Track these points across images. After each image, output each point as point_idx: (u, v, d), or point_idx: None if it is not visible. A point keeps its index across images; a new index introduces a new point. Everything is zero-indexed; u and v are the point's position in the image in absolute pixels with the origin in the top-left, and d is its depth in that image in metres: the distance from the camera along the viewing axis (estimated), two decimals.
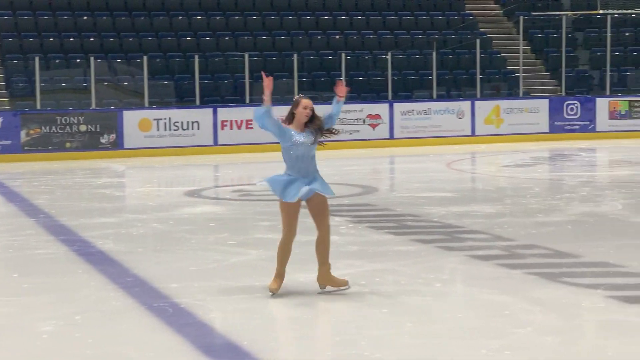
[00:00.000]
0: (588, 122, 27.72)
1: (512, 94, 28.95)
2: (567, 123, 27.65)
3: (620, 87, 29.84)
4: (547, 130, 27.49)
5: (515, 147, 25.16)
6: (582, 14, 32.03)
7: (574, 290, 8.92)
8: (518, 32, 30.46)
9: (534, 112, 27.39)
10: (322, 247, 8.87)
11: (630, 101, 28.01)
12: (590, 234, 12.09)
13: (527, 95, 28.80)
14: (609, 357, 6.93)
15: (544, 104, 27.68)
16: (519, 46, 29.79)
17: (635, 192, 15.95)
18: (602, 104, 27.93)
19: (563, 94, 28.84)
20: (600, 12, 31.26)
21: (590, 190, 16.76)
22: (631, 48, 30.90)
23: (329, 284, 8.91)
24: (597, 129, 27.65)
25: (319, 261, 8.91)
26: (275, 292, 8.72)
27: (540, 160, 23.09)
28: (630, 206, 14.35)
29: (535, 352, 7.03)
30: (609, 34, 29.57)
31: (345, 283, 8.99)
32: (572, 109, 27.69)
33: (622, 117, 27.84)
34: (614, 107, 27.89)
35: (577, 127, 27.68)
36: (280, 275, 8.80)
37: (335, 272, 9.78)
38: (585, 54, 31.36)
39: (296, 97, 9.05)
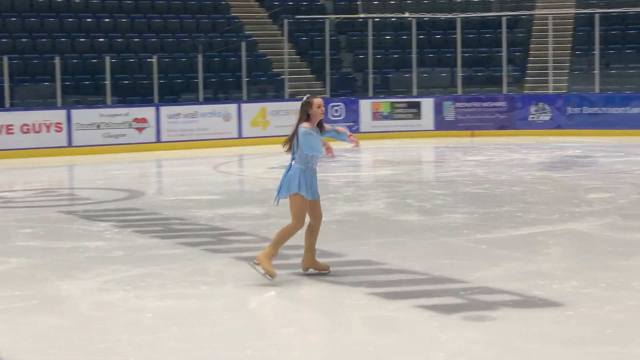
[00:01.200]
0: (352, 123, 28.32)
1: (278, 96, 29.26)
2: (332, 124, 28.11)
3: (383, 89, 30.68)
4: None
5: (282, 149, 25.37)
6: (344, 18, 32.71)
7: (337, 288, 9.08)
8: (283, 35, 30.80)
9: None
10: (311, 236, 9.36)
11: (392, 102, 28.83)
12: (354, 233, 12.34)
13: (292, 97, 29.14)
14: (371, 352, 7.08)
15: None
16: (284, 49, 30.15)
17: (396, 191, 16.42)
18: (366, 106, 28.63)
19: (328, 95, 29.35)
20: (362, 15, 32.01)
21: (355, 190, 17.14)
22: (392, 51, 31.80)
23: (312, 267, 9.42)
24: (361, 130, 28.28)
25: (305, 247, 9.39)
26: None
27: None
28: (392, 205, 14.77)
29: (300, 351, 7.12)
30: (370, 37, 30.32)
31: (327, 268, 9.48)
32: (336, 111, 28.26)
33: (385, 118, 28.62)
34: (377, 109, 28.64)
35: None
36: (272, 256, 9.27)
37: (100, 277, 9.66)
38: (348, 56, 32.06)
39: (306, 97, 9.44)
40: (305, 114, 9.35)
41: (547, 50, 30.49)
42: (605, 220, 12.80)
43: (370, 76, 29.89)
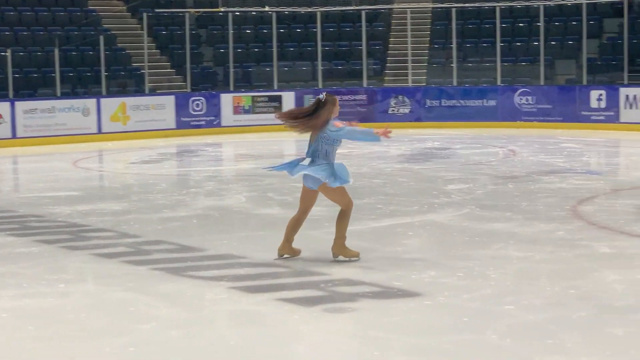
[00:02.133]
0: (213, 118, 28.23)
1: (138, 90, 28.93)
2: (193, 119, 28.01)
3: (244, 82, 30.65)
4: (174, 127, 27.70)
5: (143, 144, 25.17)
6: (204, 12, 32.54)
7: (198, 283, 9.03)
8: (142, 29, 30.46)
9: (160, 108, 27.50)
10: (340, 222, 9.66)
11: (253, 96, 28.82)
12: (215, 227, 12.30)
13: (153, 92, 28.88)
14: (232, 346, 7.07)
15: (170, 101, 27.88)
16: (143, 43, 29.81)
17: (257, 185, 16.40)
18: (227, 100, 28.55)
19: (188, 90, 29.19)
20: (222, 9, 31.89)
21: (216, 184, 17.06)
22: (252, 45, 31.78)
23: (341, 254, 9.71)
24: (223, 124, 28.21)
25: (335, 233, 9.71)
26: (281, 256, 9.85)
27: (167, 156, 23.25)
28: (253, 199, 14.75)
29: (160, 346, 7.05)
30: (230, 31, 30.24)
31: (357, 255, 9.78)
32: (197, 105, 28.09)
33: (246, 112, 28.60)
34: (238, 103, 28.59)
35: (203, 122, 28.11)
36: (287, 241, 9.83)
37: None
38: (209, 50, 31.91)
39: (326, 95, 9.59)
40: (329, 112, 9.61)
41: (406, 44, 30.95)
42: (463, 211, 13.04)
43: (231, 70, 29.82)
